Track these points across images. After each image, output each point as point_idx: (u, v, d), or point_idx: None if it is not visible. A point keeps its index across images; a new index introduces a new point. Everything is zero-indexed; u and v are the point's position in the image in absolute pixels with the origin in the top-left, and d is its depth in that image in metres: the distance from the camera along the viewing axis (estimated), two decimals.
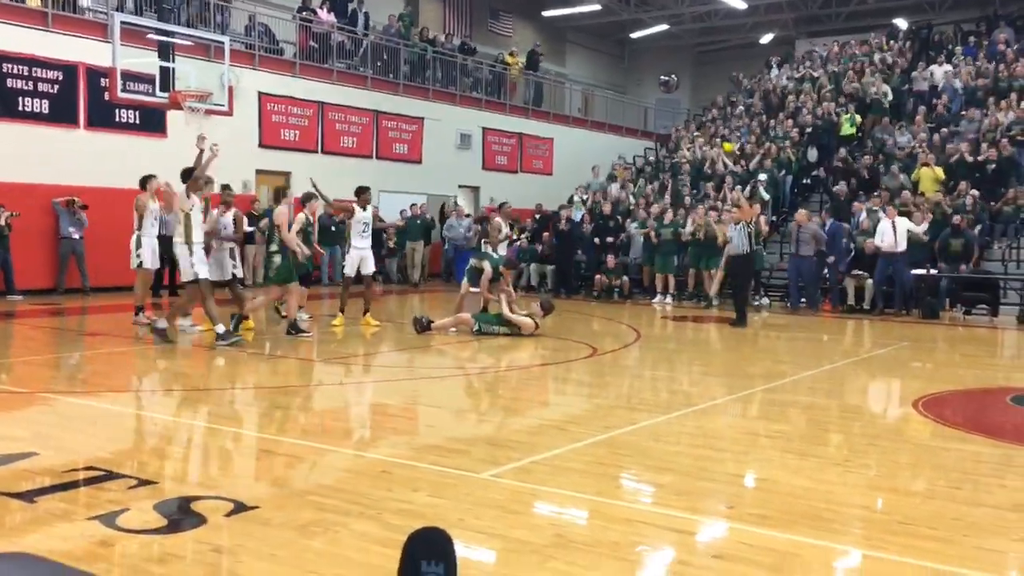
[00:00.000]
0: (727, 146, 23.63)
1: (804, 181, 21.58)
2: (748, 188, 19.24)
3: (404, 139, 22.66)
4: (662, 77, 36.07)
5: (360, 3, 22.85)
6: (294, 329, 11.15)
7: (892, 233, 15.41)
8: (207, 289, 10.22)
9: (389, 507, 4.49)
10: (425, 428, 6.71)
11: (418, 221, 20.86)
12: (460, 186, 23.80)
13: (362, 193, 12.65)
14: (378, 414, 7.48)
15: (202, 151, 10.26)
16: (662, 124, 31.84)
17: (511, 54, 27.22)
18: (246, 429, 6.67)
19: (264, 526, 4.20)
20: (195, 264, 10.11)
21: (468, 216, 22.31)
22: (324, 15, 21.30)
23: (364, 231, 12.61)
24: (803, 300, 16.74)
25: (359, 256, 12.61)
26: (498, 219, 15.12)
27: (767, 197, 19.14)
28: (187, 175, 10.31)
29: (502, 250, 14.09)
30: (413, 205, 21.14)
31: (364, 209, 12.57)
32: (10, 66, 15.45)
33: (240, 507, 4.46)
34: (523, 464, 5.41)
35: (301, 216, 11.35)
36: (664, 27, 32.59)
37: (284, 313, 11.95)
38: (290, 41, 20.80)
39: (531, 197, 23.13)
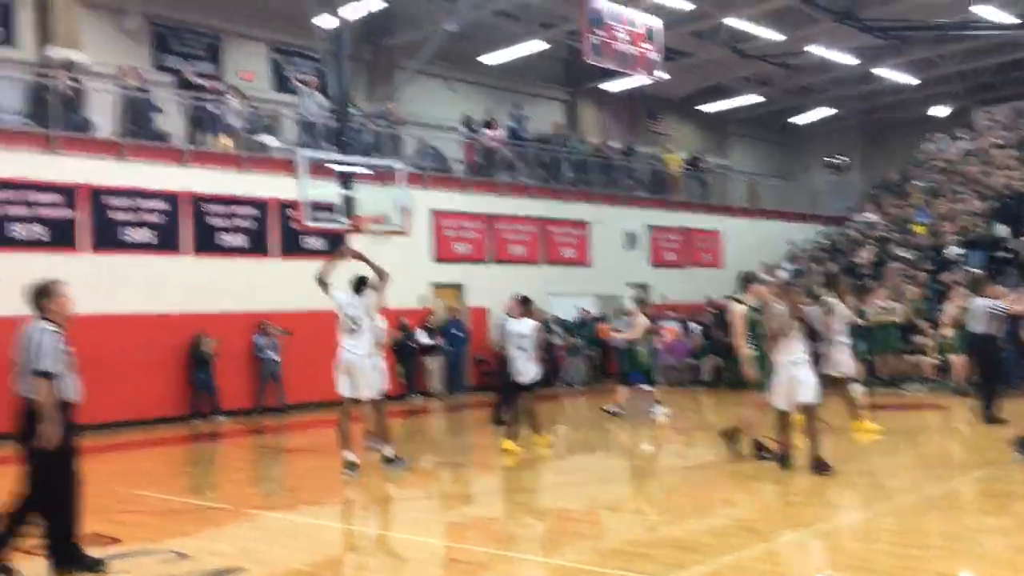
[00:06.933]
0: (920, 228, 22.68)
1: (998, 254, 20.28)
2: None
3: (571, 243, 23.05)
4: (829, 160, 35.18)
5: (524, 118, 23.76)
6: (768, 454, 9.14)
7: None
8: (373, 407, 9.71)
9: None
10: (607, 531, 6.63)
11: (585, 324, 20.95)
12: (628, 284, 23.76)
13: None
14: (560, 519, 7.44)
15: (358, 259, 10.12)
16: (834, 206, 30.89)
17: (668, 151, 27.46)
18: (437, 539, 6.79)
19: None
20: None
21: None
22: (491, 133, 22.26)
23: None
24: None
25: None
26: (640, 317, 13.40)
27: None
28: (360, 283, 10.08)
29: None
30: (583, 309, 21.34)
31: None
32: (209, 206, 16.99)
33: None
34: (712, 567, 5.24)
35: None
36: (829, 111, 32.03)
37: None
38: (458, 159, 21.81)
39: (701, 291, 22.85)
